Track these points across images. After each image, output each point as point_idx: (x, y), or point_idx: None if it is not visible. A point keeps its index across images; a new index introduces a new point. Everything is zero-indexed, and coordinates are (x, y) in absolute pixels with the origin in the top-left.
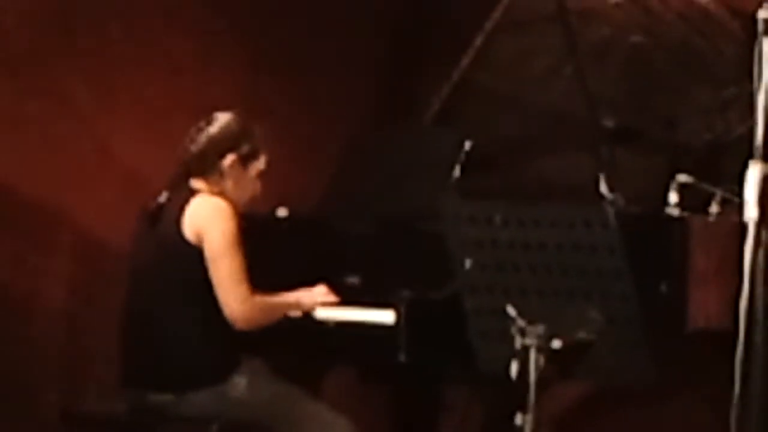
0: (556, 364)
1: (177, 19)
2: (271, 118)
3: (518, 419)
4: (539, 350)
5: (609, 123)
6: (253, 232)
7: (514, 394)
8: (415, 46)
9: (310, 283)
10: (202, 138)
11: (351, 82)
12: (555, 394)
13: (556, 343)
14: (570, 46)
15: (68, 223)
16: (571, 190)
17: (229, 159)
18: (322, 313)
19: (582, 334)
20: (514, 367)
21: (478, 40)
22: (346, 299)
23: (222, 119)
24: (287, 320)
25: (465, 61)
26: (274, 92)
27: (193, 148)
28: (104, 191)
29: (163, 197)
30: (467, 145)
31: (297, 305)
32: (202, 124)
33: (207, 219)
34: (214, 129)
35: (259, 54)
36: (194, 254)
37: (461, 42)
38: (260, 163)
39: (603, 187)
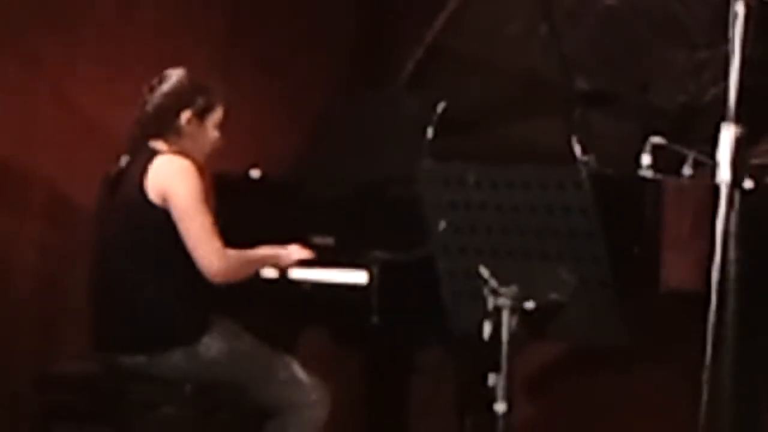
0: (529, 325)
1: None
2: (245, 81)
3: (491, 380)
4: (512, 311)
5: (583, 85)
6: (227, 193)
7: (487, 355)
8: (389, 10)
9: (283, 243)
10: (156, 97)
11: (325, 46)
12: (528, 355)
13: (529, 304)
14: (544, 8)
15: (39, 184)
16: (545, 152)
17: (185, 116)
18: (296, 274)
19: (555, 295)
20: (486, 328)
21: (452, 3)
22: (320, 260)
23: (173, 76)
24: (260, 281)
25: (438, 25)
26: (249, 55)
27: (148, 108)
28: (75, 152)
29: (123, 161)
30: (440, 107)
31: (275, 258)
32: (154, 83)
33: (171, 179)
34: (166, 87)
35: (234, 18)
36: (160, 215)
37: (435, 5)
38: (217, 115)
39: (576, 150)
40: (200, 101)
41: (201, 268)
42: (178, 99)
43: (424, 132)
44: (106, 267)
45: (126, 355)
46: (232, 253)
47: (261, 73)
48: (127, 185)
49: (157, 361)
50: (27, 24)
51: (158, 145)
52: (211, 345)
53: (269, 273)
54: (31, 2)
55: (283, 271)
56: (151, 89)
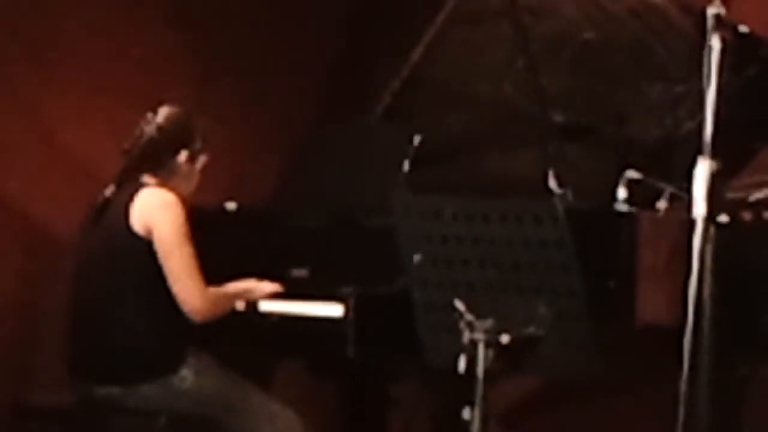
0: (505, 359)
1: (128, 11)
2: (221, 113)
3: (466, 414)
4: (487, 345)
5: (559, 119)
6: (202, 226)
7: (462, 389)
8: (366, 42)
9: (259, 276)
10: (153, 133)
11: (301, 77)
12: (503, 389)
13: (505, 338)
14: (521, 41)
15: (16, 214)
16: (521, 185)
17: (183, 156)
18: (266, 306)
19: (530, 329)
20: (462, 362)
21: (429, 35)
22: (295, 293)
23: (172, 114)
24: (235, 313)
25: (415, 56)
26: (224, 86)
27: (144, 142)
28: (53, 182)
29: (109, 191)
30: (417, 139)
31: (248, 291)
32: (149, 117)
33: (156, 212)
34: (166, 124)
35: (210, 48)
36: (143, 247)
37: (412, 36)
38: (204, 158)
39: (552, 183)
40: (198, 143)
41: (181, 306)
42: (178, 138)
43: (401, 164)
44: (85, 296)
45: (101, 385)
46: (212, 291)
47: (237, 106)
48: (112, 215)
49: (132, 392)
50: (6, 56)
51: (146, 179)
52: (187, 377)
53: (237, 305)
54: (6, 32)
55: (251, 304)
56: (148, 123)
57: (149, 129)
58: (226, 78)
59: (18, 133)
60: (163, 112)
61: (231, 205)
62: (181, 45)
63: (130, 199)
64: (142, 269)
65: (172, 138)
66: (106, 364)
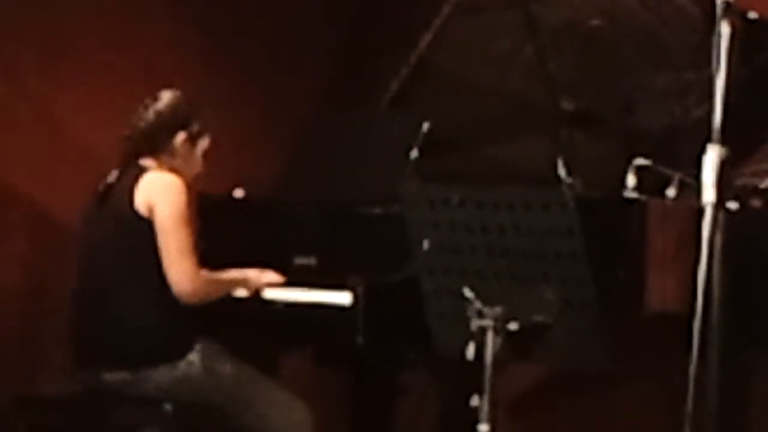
0: (513, 347)
1: (132, 6)
2: (227, 101)
3: (474, 401)
4: (496, 332)
5: (568, 106)
6: (210, 213)
7: (471, 376)
8: (373, 28)
9: (265, 264)
10: (151, 116)
11: (308, 65)
12: (511, 377)
13: (513, 326)
14: (529, 28)
15: (21, 203)
16: (530, 173)
17: (181, 137)
18: (270, 294)
19: (539, 317)
20: (470, 349)
21: (437, 22)
22: (303, 281)
23: (169, 97)
24: (242, 301)
25: (423, 44)
26: (229, 73)
27: (142, 126)
28: (57, 171)
29: (112, 176)
30: (425, 127)
31: (244, 282)
32: (148, 101)
33: (158, 192)
34: (163, 107)
35: (214, 40)
36: (147, 228)
37: (419, 24)
38: (205, 143)
39: (561, 170)
40: (195, 125)
41: (171, 286)
42: (175, 120)
43: (409, 152)
44: (92, 280)
45: (109, 371)
46: (203, 275)
47: (242, 97)
48: (117, 199)
49: (139, 377)
50: (8, 42)
51: (148, 162)
52: (195, 362)
53: (239, 292)
54: (12, 21)
55: (255, 292)
56: (146, 107)
57: (148, 113)
58: (230, 69)
59: (23, 123)
60: (161, 96)
61: (239, 193)
62: (184, 37)
63: (135, 181)
64: (148, 251)
65: (169, 120)
66: (114, 347)
